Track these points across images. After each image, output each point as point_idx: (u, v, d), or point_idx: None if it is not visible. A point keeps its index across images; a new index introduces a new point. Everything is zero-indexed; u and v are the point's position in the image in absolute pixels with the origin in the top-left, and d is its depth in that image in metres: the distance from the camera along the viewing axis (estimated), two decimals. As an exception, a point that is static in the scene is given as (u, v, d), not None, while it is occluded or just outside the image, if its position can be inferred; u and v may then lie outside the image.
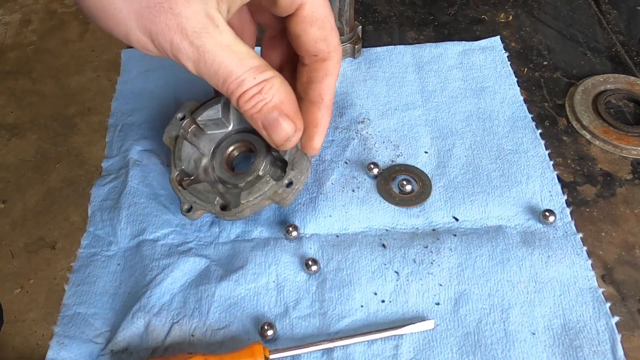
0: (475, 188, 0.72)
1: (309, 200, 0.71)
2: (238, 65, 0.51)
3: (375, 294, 0.62)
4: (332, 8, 0.82)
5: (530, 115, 0.80)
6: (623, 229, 0.69)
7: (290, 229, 0.67)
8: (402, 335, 0.59)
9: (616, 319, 0.60)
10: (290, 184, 0.64)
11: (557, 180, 0.72)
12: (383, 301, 0.62)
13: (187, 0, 0.48)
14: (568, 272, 0.63)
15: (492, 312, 0.61)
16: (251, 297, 0.62)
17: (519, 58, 0.89)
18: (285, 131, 0.56)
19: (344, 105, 0.82)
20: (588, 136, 0.78)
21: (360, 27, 0.88)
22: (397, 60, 0.88)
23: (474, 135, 0.78)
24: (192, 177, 0.67)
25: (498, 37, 0.90)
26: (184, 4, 0.48)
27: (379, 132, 0.78)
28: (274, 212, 0.70)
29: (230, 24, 0.53)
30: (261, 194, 0.64)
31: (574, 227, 0.67)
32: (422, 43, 0.91)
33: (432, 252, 0.65)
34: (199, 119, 0.69)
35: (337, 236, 0.68)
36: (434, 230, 0.68)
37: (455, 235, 0.67)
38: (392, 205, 0.70)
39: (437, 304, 0.62)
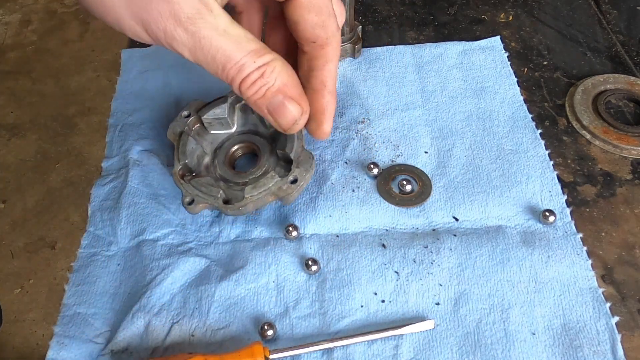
0: (475, 188, 0.72)
1: (309, 200, 0.71)
2: (236, 49, 0.50)
3: (375, 294, 0.62)
4: (332, 8, 0.82)
5: (530, 115, 0.80)
6: (623, 229, 0.69)
7: (290, 229, 0.67)
8: (402, 335, 0.59)
9: (616, 319, 0.60)
10: (295, 180, 0.65)
11: (557, 180, 0.72)
12: (383, 301, 0.62)
13: None
14: (568, 272, 0.63)
15: (492, 312, 0.61)
16: (251, 297, 0.62)
17: (519, 58, 0.89)
18: (291, 114, 0.55)
19: (344, 105, 0.82)
20: (588, 136, 0.78)
21: (360, 27, 0.88)
22: (397, 60, 0.88)
23: (474, 135, 0.78)
24: (194, 174, 0.68)
25: (498, 37, 0.90)
26: None
27: (379, 132, 0.78)
28: (274, 212, 0.70)
29: (236, 3, 0.52)
30: (266, 189, 0.64)
31: (574, 227, 0.67)
32: (422, 43, 0.91)
33: (432, 252, 0.65)
34: (205, 116, 0.70)
35: (337, 236, 0.68)
36: (434, 230, 0.68)
37: (455, 235, 0.67)
38: (392, 205, 0.70)
39: (437, 304, 0.62)
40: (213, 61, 0.51)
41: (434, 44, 0.90)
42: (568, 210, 0.69)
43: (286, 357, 0.57)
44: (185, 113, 0.71)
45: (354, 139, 0.77)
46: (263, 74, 0.52)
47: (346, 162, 0.75)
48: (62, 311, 0.62)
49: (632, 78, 0.84)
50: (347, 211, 0.70)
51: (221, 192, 0.65)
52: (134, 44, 0.91)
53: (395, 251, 0.66)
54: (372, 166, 0.72)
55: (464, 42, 0.90)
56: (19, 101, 2.23)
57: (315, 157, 0.74)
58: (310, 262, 0.64)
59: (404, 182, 0.71)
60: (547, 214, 0.67)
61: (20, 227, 1.85)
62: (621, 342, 0.58)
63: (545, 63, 0.88)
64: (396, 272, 0.64)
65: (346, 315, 0.61)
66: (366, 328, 0.60)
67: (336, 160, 0.75)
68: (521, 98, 0.82)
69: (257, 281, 0.63)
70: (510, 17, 0.96)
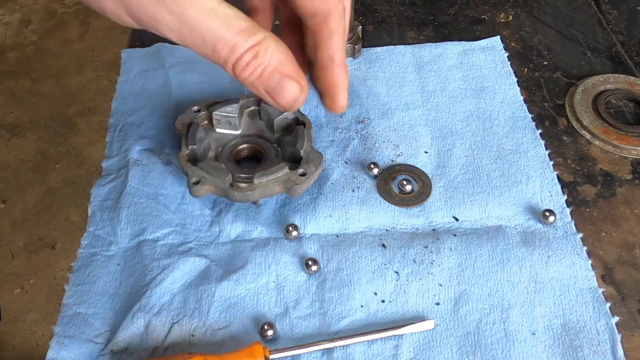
0: (475, 188, 0.72)
1: (309, 200, 0.71)
2: (226, 29, 0.48)
3: (375, 294, 0.62)
4: (332, 8, 0.82)
5: (530, 115, 0.80)
6: (623, 229, 0.69)
7: (290, 228, 0.67)
8: (402, 335, 0.59)
9: (616, 319, 0.60)
10: (304, 174, 0.66)
11: (557, 180, 0.72)
12: (383, 301, 0.62)
13: None
14: (568, 272, 0.63)
15: (492, 312, 0.61)
16: (251, 297, 0.62)
17: (519, 58, 0.89)
18: (291, 93, 0.52)
19: (344, 105, 0.82)
20: (588, 136, 0.78)
21: (360, 27, 0.88)
22: (397, 60, 0.88)
23: (474, 135, 0.78)
24: (200, 162, 0.68)
25: (498, 37, 0.90)
26: None
27: (379, 132, 0.78)
28: (274, 212, 0.70)
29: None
30: (275, 177, 0.65)
31: (574, 227, 0.67)
32: (422, 43, 0.91)
33: (432, 252, 0.65)
34: (217, 112, 0.71)
35: (337, 236, 0.68)
36: (434, 230, 0.68)
37: (455, 235, 0.67)
38: (392, 205, 0.70)
39: (437, 304, 0.62)
40: (202, 43, 0.49)
41: (434, 44, 0.90)
42: (568, 210, 0.69)
43: (286, 357, 0.57)
44: (195, 108, 0.72)
45: (354, 139, 0.77)
46: (257, 54, 0.50)
47: (346, 162, 0.75)
48: (62, 311, 0.62)
49: (632, 78, 0.84)
50: (347, 211, 0.70)
51: (229, 175, 0.65)
52: (134, 44, 0.91)
53: (395, 251, 0.65)
54: (372, 166, 0.72)
55: (464, 42, 0.90)
56: (19, 101, 2.23)
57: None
58: (310, 262, 0.64)
59: (404, 182, 0.71)
60: (547, 214, 0.67)
61: (20, 227, 1.85)
62: (621, 342, 0.58)
63: (545, 63, 0.88)
64: (396, 272, 0.64)
65: (346, 315, 0.61)
66: (366, 328, 0.60)
67: (336, 160, 0.75)
68: (521, 98, 0.82)
69: (257, 281, 0.63)
70: (510, 17, 0.96)
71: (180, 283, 0.63)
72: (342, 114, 0.80)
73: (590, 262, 0.64)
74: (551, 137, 0.78)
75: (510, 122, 0.79)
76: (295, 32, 0.58)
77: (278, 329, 0.60)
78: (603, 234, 0.68)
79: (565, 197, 0.70)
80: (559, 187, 0.71)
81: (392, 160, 0.75)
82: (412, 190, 0.71)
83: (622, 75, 0.84)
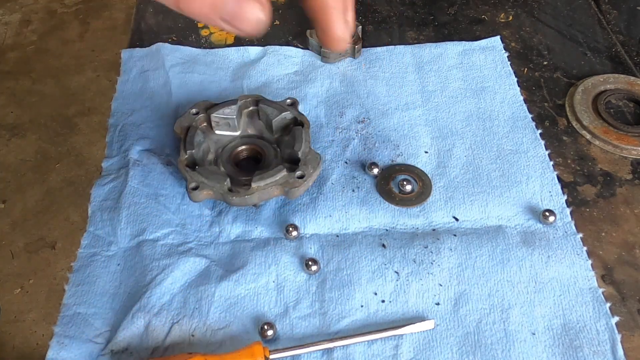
0: (475, 188, 0.72)
1: (309, 200, 0.71)
2: None
3: (375, 294, 0.62)
4: (332, 8, 0.82)
5: (530, 115, 0.80)
6: (623, 229, 0.69)
7: (290, 229, 0.67)
8: (402, 335, 0.59)
9: (616, 319, 0.60)
10: (302, 176, 0.66)
11: (557, 180, 0.72)
12: (383, 301, 0.62)
13: None
14: (568, 272, 0.63)
15: (492, 312, 0.61)
16: (251, 297, 0.62)
17: (519, 58, 0.89)
18: (252, 14, 0.46)
19: (344, 105, 0.82)
20: (588, 136, 0.78)
21: (360, 27, 0.88)
22: (397, 60, 0.88)
23: (474, 135, 0.78)
24: (198, 167, 0.68)
25: (498, 37, 0.90)
26: None
27: (379, 131, 0.78)
28: (274, 212, 0.70)
29: None
30: (273, 181, 0.65)
31: (574, 227, 0.67)
32: (422, 43, 0.91)
33: (432, 252, 0.65)
34: (215, 114, 0.71)
35: (337, 236, 0.68)
36: (434, 230, 0.68)
37: (455, 235, 0.67)
38: (392, 205, 0.70)
39: (437, 304, 0.62)
40: None
41: (434, 44, 0.90)
42: (568, 210, 0.69)
43: (286, 357, 0.57)
44: (193, 110, 0.73)
45: (354, 139, 0.77)
46: None
47: (346, 162, 0.75)
48: (62, 311, 0.62)
49: (632, 78, 0.84)
50: (347, 211, 0.70)
51: (227, 180, 0.65)
52: (134, 44, 0.91)
53: (395, 251, 0.66)
54: (372, 166, 0.72)
55: (464, 42, 0.90)
56: (19, 101, 2.23)
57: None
58: (310, 262, 0.64)
59: (404, 182, 0.71)
60: (547, 214, 0.67)
61: (20, 227, 1.85)
62: (621, 342, 0.58)
63: (545, 63, 0.88)
64: (396, 272, 0.64)
65: (346, 315, 0.61)
66: (366, 328, 0.60)
67: (336, 160, 0.75)
68: (521, 98, 0.82)
69: (257, 281, 0.63)
70: (510, 17, 0.96)
71: (180, 283, 0.63)
72: (341, 114, 0.80)
73: (590, 262, 0.64)
74: (551, 137, 0.78)
75: (510, 122, 0.79)
76: None
77: (278, 329, 0.60)
78: (603, 234, 0.68)
79: (565, 197, 0.70)
80: (559, 187, 0.71)
81: (392, 160, 0.75)
82: (412, 190, 0.71)
83: (622, 75, 0.84)
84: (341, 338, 0.58)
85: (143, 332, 0.59)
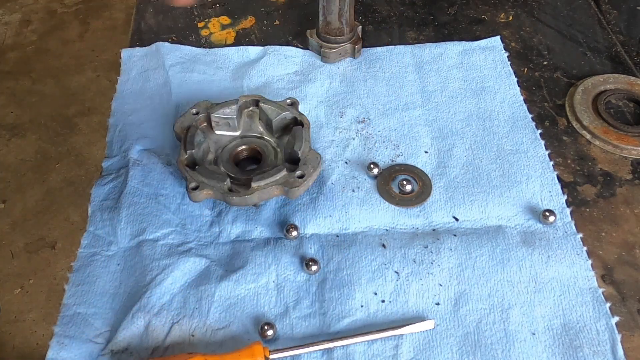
0: (475, 188, 0.72)
1: (309, 200, 0.71)
2: None
3: (375, 294, 0.62)
4: (332, 8, 0.82)
5: (530, 115, 0.80)
6: (623, 229, 0.69)
7: (290, 229, 0.67)
8: (402, 335, 0.59)
9: (616, 319, 0.60)
10: (302, 176, 0.66)
11: (557, 180, 0.72)
12: (383, 301, 0.62)
13: None
14: (568, 272, 0.63)
15: (492, 312, 0.61)
16: (251, 297, 0.62)
17: (519, 58, 0.89)
18: None
19: (344, 105, 0.82)
20: (588, 136, 0.78)
21: (360, 27, 0.88)
22: (397, 60, 0.88)
23: (474, 135, 0.78)
24: (198, 167, 0.68)
25: (498, 37, 0.90)
26: None
27: (379, 131, 0.78)
28: (274, 212, 0.70)
29: None
30: (273, 181, 0.65)
31: (574, 227, 0.67)
32: (422, 43, 0.91)
33: (432, 252, 0.65)
34: (215, 114, 0.72)
35: (337, 236, 0.68)
36: (434, 230, 0.68)
37: (455, 235, 0.67)
38: (392, 205, 0.70)
39: (437, 304, 0.62)
40: None
41: (434, 44, 0.90)
42: (568, 210, 0.69)
43: (286, 357, 0.57)
44: (193, 110, 0.73)
45: (354, 139, 0.77)
46: None
47: (346, 162, 0.75)
48: (62, 311, 0.62)
49: (632, 78, 0.84)
50: (347, 211, 0.69)
51: (228, 180, 0.65)
52: (134, 43, 0.91)
53: (395, 251, 0.65)
54: (372, 166, 0.72)
55: (464, 42, 0.90)
56: (19, 101, 2.23)
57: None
58: (310, 262, 0.64)
59: (404, 182, 0.71)
60: (547, 214, 0.67)
61: (20, 227, 1.85)
62: (621, 342, 0.58)
63: (545, 63, 0.88)
64: (396, 272, 0.64)
65: (346, 315, 0.61)
66: (366, 328, 0.60)
67: (336, 160, 0.75)
68: (521, 98, 0.82)
69: (257, 281, 0.63)
70: (510, 17, 0.96)
71: (180, 283, 0.63)
72: (342, 114, 0.80)
73: (590, 262, 0.64)
74: (551, 137, 0.78)
75: (510, 122, 0.79)
76: None
77: (278, 329, 0.60)
78: (603, 234, 0.68)
79: (565, 197, 0.70)
80: (559, 187, 0.71)
81: (392, 160, 0.75)
82: (412, 190, 0.71)
83: (622, 75, 0.84)
84: (341, 338, 0.58)
85: (143, 332, 0.59)
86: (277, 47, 0.89)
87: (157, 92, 0.84)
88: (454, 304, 0.61)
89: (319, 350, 0.58)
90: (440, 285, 0.63)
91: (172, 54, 0.88)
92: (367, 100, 0.82)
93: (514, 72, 0.85)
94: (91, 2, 2.67)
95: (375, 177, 0.73)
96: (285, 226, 0.67)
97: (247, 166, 0.73)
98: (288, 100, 0.74)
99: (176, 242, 0.67)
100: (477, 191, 0.71)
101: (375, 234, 0.68)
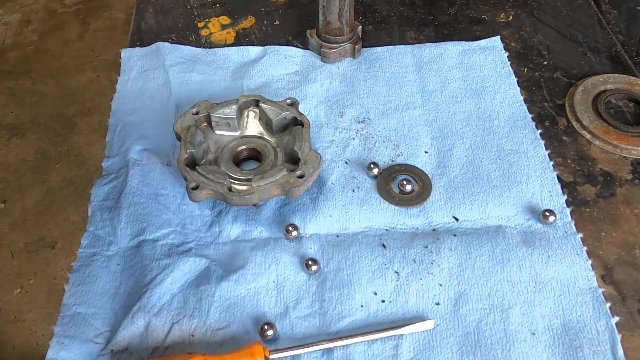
0: (475, 188, 0.72)
1: (309, 200, 0.71)
2: None
3: (375, 294, 0.62)
4: (332, 8, 0.82)
5: (530, 115, 0.80)
6: (623, 229, 0.69)
7: (290, 228, 0.67)
8: (402, 335, 0.59)
9: (616, 319, 0.60)
10: (302, 176, 0.66)
11: (557, 180, 0.72)
12: (383, 301, 0.62)
13: None
14: (568, 272, 0.63)
15: (492, 312, 0.61)
16: (251, 297, 0.62)
17: (519, 58, 0.89)
18: None
19: (344, 105, 0.82)
20: (588, 136, 0.78)
21: (360, 27, 0.88)
22: (397, 60, 0.88)
23: (474, 135, 0.78)
24: (198, 167, 0.68)
25: (498, 37, 0.90)
26: None
27: (379, 131, 0.78)
28: (274, 212, 0.70)
29: None
30: (273, 181, 0.65)
31: (574, 227, 0.67)
32: (422, 43, 0.91)
33: (432, 252, 0.65)
34: (215, 114, 0.72)
35: (337, 236, 0.68)
36: (434, 230, 0.68)
37: (455, 235, 0.67)
38: (392, 205, 0.70)
39: (437, 304, 0.62)
40: None
41: (434, 44, 0.90)
42: (568, 210, 0.69)
43: (286, 357, 0.57)
44: (194, 110, 0.73)
45: (354, 139, 0.77)
46: None
47: (346, 162, 0.75)
48: (62, 311, 0.62)
49: (632, 78, 0.84)
50: (347, 211, 0.69)
51: (228, 180, 0.65)
52: (134, 43, 0.91)
53: (395, 251, 0.65)
54: (372, 166, 0.72)
55: (464, 42, 0.90)
56: (19, 101, 2.23)
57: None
58: (310, 262, 0.64)
59: (404, 182, 0.71)
60: (547, 214, 0.67)
61: (20, 227, 1.85)
62: (621, 342, 0.58)
63: (545, 63, 0.88)
64: (396, 272, 0.64)
65: (346, 315, 0.61)
66: (366, 328, 0.60)
67: (336, 160, 0.75)
68: (521, 98, 0.82)
69: (257, 281, 0.63)
70: (510, 17, 0.96)
71: (180, 283, 0.63)
72: (342, 114, 0.80)
73: (590, 262, 0.64)
74: (551, 137, 0.78)
75: (510, 122, 0.79)
76: None
77: (278, 329, 0.60)
78: (603, 234, 0.68)
79: (565, 197, 0.70)
80: (559, 187, 0.71)
81: (392, 160, 0.75)
82: (412, 190, 0.71)
83: (622, 75, 0.84)
84: (341, 338, 0.58)
85: (143, 332, 0.59)
86: (277, 47, 0.89)
87: (157, 92, 0.84)
88: (454, 304, 0.61)
89: (319, 350, 0.58)
90: (440, 285, 0.63)
91: (172, 54, 0.88)
92: (367, 100, 0.82)
93: (514, 72, 0.85)
94: (91, 2, 2.67)
95: (375, 177, 0.73)
96: (285, 226, 0.67)
97: (247, 166, 0.73)
98: (288, 100, 0.74)
99: (176, 242, 0.67)
100: (477, 191, 0.71)
101: (375, 234, 0.68)
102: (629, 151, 0.76)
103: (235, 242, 0.68)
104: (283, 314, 0.61)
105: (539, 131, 0.78)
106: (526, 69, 0.87)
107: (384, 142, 0.77)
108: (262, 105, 0.73)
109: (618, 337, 0.58)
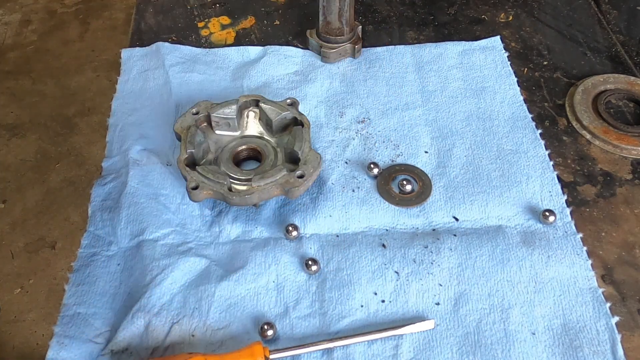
0: (475, 188, 0.72)
1: (309, 200, 0.71)
2: None
3: (375, 294, 0.62)
4: (332, 8, 0.82)
5: (530, 115, 0.80)
6: (623, 229, 0.69)
7: (290, 228, 0.67)
8: (402, 335, 0.59)
9: (616, 319, 0.60)
10: (302, 176, 0.66)
11: (557, 180, 0.72)
12: (383, 301, 0.62)
13: None
14: (568, 272, 0.63)
15: (492, 312, 0.61)
16: (251, 297, 0.62)
17: (519, 58, 0.89)
18: None
19: (344, 105, 0.82)
20: (588, 136, 0.78)
21: (360, 27, 0.88)
22: (397, 60, 0.88)
23: (474, 135, 0.78)
24: (198, 167, 0.68)
25: (498, 37, 0.90)
26: None
27: (379, 131, 0.78)
28: (274, 212, 0.70)
29: None
30: (273, 181, 0.65)
31: (574, 227, 0.67)
32: (422, 43, 0.91)
33: (432, 252, 0.65)
34: (215, 114, 0.72)
35: (337, 236, 0.68)
36: (434, 230, 0.68)
37: (455, 235, 0.67)
38: (392, 205, 0.70)
39: (437, 304, 0.62)
40: None
41: (434, 44, 0.90)
42: (568, 210, 0.69)
43: (286, 357, 0.57)
44: (194, 110, 0.73)
45: (354, 139, 0.77)
46: None
47: (346, 162, 0.75)
48: (62, 311, 0.62)
49: (632, 78, 0.84)
50: (347, 211, 0.70)
51: (228, 180, 0.65)
52: (134, 43, 0.91)
53: (395, 251, 0.65)
54: (372, 166, 0.72)
55: (464, 42, 0.90)
56: (19, 101, 2.23)
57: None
58: (310, 262, 0.64)
59: (404, 182, 0.71)
60: (547, 214, 0.67)
61: (20, 227, 1.85)
62: (621, 342, 0.58)
63: (545, 63, 0.88)
64: (396, 272, 0.64)
65: (346, 315, 0.61)
66: (366, 328, 0.60)
67: (336, 160, 0.75)
68: (521, 98, 0.82)
69: (257, 281, 0.63)
70: (510, 17, 0.96)
71: (180, 283, 0.63)
72: (342, 114, 0.80)
73: (590, 262, 0.64)
74: (551, 137, 0.78)
75: (510, 122, 0.79)
76: None
77: (278, 329, 0.60)
78: (603, 234, 0.68)
79: (565, 197, 0.70)
80: (559, 187, 0.71)
81: (392, 160, 0.75)
82: (412, 190, 0.71)
83: (622, 75, 0.84)
84: (341, 338, 0.58)
85: (143, 332, 0.59)
86: (277, 47, 0.89)
87: (157, 92, 0.84)
88: (454, 304, 0.61)
89: (319, 350, 0.58)
90: (440, 285, 0.63)
91: (172, 54, 0.88)
92: (367, 100, 0.82)
93: (514, 72, 0.85)
94: (91, 2, 2.67)
95: (375, 177, 0.73)
96: (285, 226, 0.67)
97: (247, 166, 0.73)
98: (288, 100, 0.74)
99: (176, 242, 0.67)
100: (477, 191, 0.71)
101: (375, 234, 0.68)
102: (629, 151, 0.76)
103: (235, 242, 0.68)
104: (283, 314, 0.61)
105: (539, 131, 0.78)
106: (526, 69, 0.87)
107: (384, 142, 0.77)
108: (262, 105, 0.73)
109: (618, 337, 0.58)
